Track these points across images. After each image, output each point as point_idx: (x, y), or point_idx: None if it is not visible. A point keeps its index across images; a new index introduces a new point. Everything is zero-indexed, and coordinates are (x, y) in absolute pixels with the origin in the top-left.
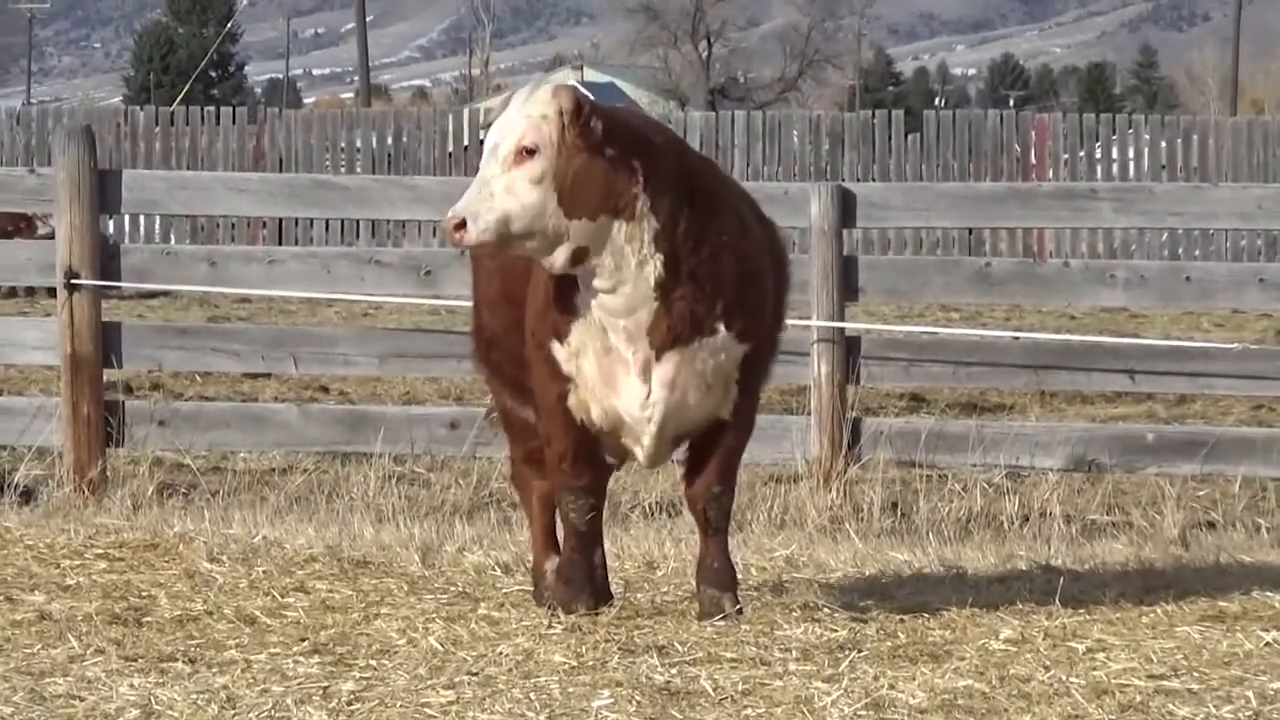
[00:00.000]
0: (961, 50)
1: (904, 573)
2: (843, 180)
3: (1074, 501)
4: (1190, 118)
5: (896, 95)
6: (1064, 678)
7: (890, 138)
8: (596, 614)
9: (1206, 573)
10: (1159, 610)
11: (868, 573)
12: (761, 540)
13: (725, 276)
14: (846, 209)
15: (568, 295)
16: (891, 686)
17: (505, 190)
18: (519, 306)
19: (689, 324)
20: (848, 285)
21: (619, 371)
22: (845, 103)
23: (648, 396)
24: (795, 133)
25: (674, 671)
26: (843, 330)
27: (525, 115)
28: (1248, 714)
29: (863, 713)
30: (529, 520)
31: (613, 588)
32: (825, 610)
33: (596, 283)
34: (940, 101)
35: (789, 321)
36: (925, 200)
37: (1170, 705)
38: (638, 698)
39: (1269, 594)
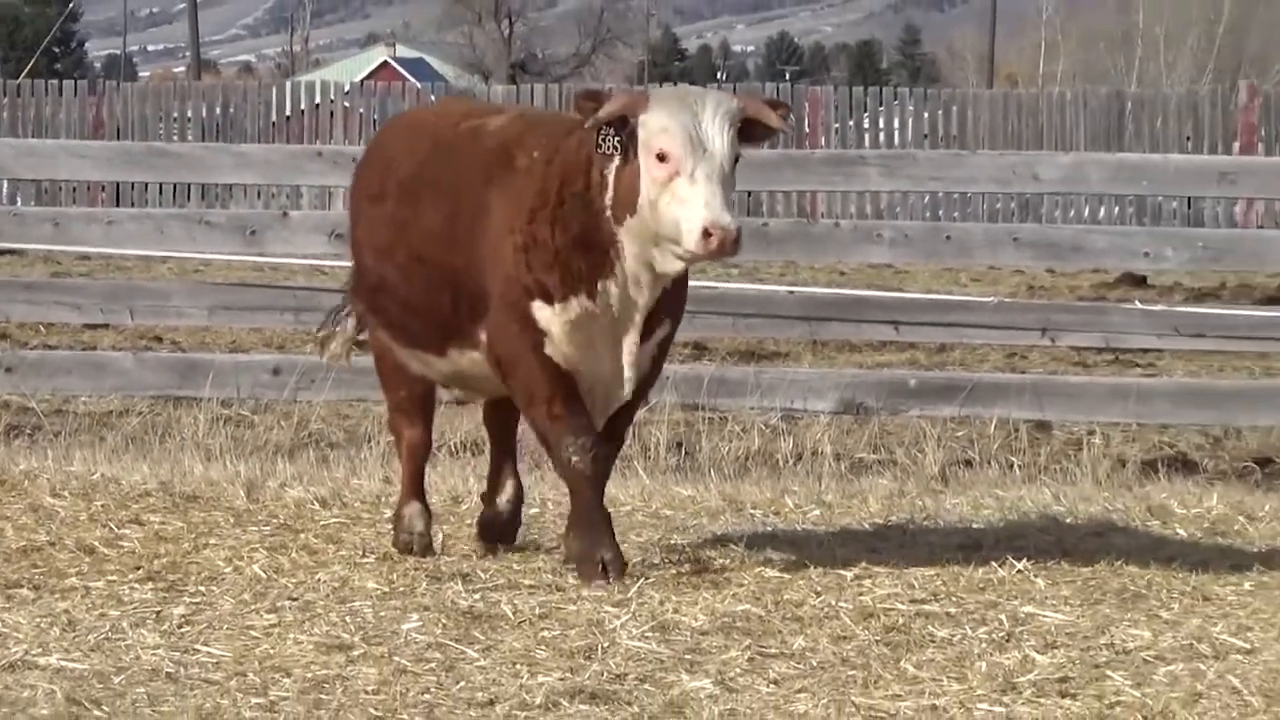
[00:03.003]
0: (741, 29)
1: (688, 507)
2: None
3: (843, 441)
4: (950, 91)
5: (682, 70)
6: (833, 602)
7: None
8: (622, 566)
9: (963, 506)
10: (921, 540)
11: (654, 507)
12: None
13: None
14: None
15: (574, 269)
16: (676, 610)
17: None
18: (429, 263)
19: (665, 313)
20: None
21: (603, 348)
22: (635, 77)
23: (621, 371)
24: None
25: (477, 597)
26: None
27: (728, 123)
28: (1001, 635)
29: (650, 634)
30: (402, 463)
31: None
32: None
33: (658, 271)
34: (721, 76)
35: None
36: None
37: (930, 627)
38: (444, 620)
39: (1020, 525)
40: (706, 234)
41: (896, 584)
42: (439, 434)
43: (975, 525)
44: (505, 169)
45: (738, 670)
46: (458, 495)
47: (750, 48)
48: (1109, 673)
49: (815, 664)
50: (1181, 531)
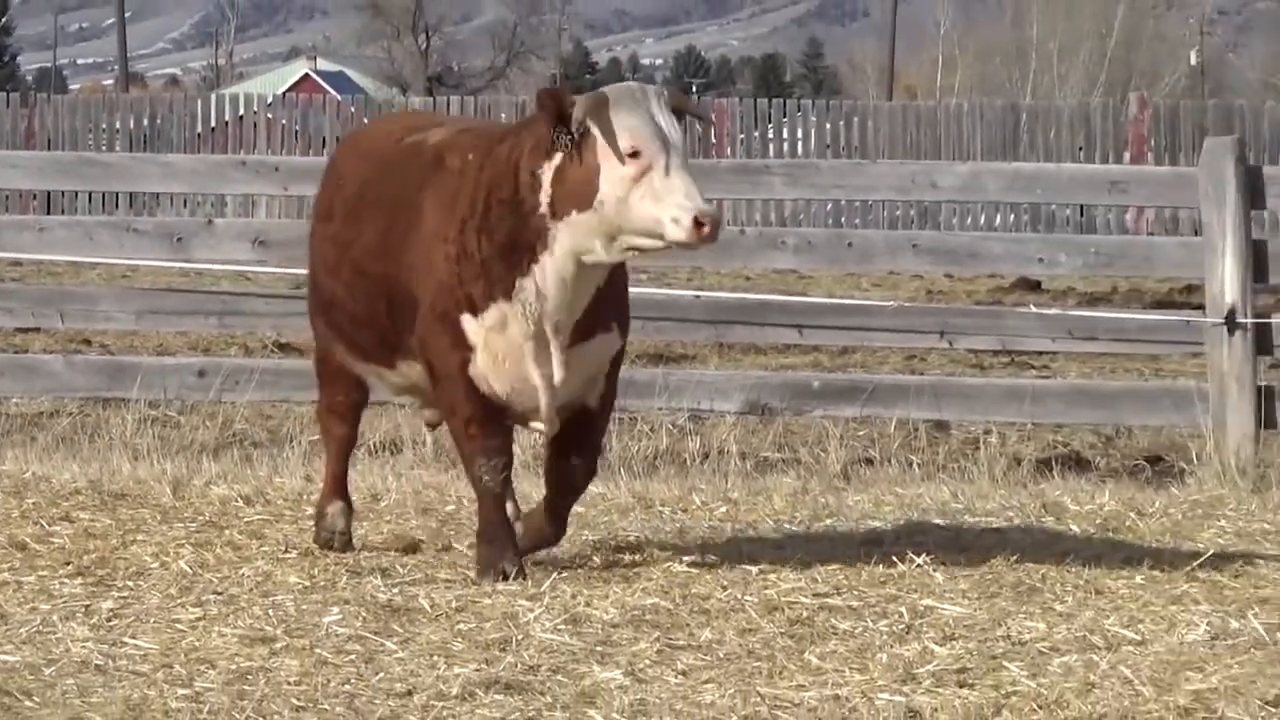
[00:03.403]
0: (650, 43)
1: (599, 504)
2: None
3: (749, 441)
4: (852, 103)
5: (594, 83)
6: (740, 595)
7: None
8: (523, 575)
9: (865, 503)
10: (824, 536)
11: None
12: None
13: (622, 278)
14: None
15: (494, 275)
16: (587, 604)
17: None
18: (369, 276)
19: (607, 318)
20: None
21: (527, 350)
22: None
23: (552, 378)
24: (504, 117)
25: (396, 591)
26: None
27: (672, 114)
28: (901, 627)
29: (562, 627)
30: (326, 462)
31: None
32: None
33: (589, 271)
34: None
35: None
36: None
37: (833, 620)
38: (364, 614)
39: (920, 521)
40: (698, 223)
41: (800, 578)
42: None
43: (876, 522)
44: (437, 173)
45: (647, 661)
46: (377, 493)
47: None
48: (1005, 663)
49: (722, 655)
50: (1075, 527)
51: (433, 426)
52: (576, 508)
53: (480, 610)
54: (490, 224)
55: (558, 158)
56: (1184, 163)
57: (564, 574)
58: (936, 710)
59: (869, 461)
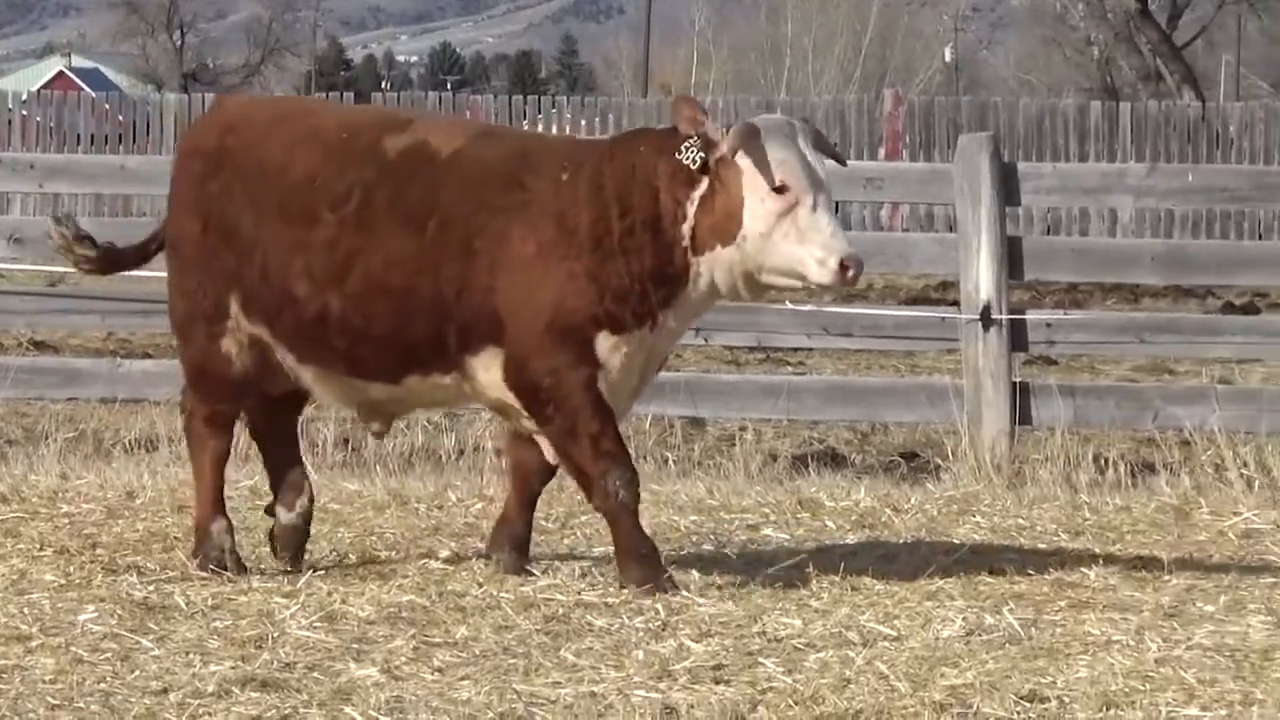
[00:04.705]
0: (405, 40)
1: (354, 501)
2: None
3: (503, 437)
4: (607, 99)
5: (348, 80)
6: (495, 593)
7: None
8: (679, 588)
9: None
10: (578, 532)
11: (323, 501)
12: (229, 473)
13: None
14: None
15: (647, 299)
16: (344, 601)
17: None
18: (397, 292)
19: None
20: None
21: (638, 365)
22: (302, 87)
23: (634, 390)
24: None
25: (151, 588)
26: None
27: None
28: (657, 624)
29: (318, 624)
30: (197, 476)
31: (96, 515)
32: None
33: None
34: (386, 85)
35: None
36: None
37: (589, 616)
38: (119, 611)
39: (674, 518)
40: (843, 266)
41: (555, 576)
42: (113, 432)
43: None
44: (516, 190)
45: (403, 659)
46: (133, 490)
47: (414, 58)
48: (761, 660)
49: (478, 652)
50: (831, 524)
51: (379, 437)
52: (332, 504)
53: (236, 608)
54: (635, 245)
55: (703, 186)
56: (939, 159)
57: (320, 571)
58: (693, 707)
59: None
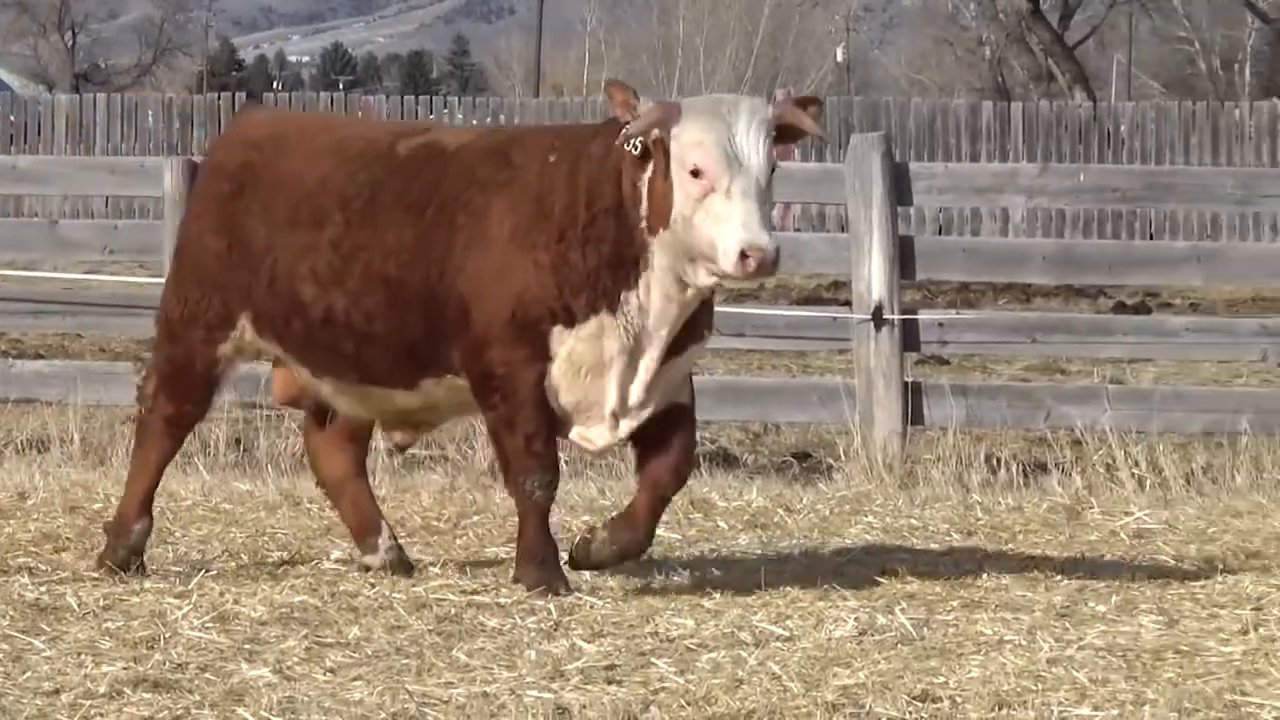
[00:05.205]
0: (297, 40)
1: (246, 501)
2: (192, 155)
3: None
4: (498, 99)
5: (240, 80)
6: (388, 593)
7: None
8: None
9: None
10: (471, 533)
11: (214, 501)
12: (119, 473)
13: None
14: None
15: (601, 288)
16: (236, 601)
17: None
18: (395, 284)
19: (701, 328)
20: None
21: (617, 363)
22: (195, 86)
23: (629, 393)
24: (151, 113)
25: (43, 589)
26: None
27: (764, 133)
28: (549, 624)
29: (210, 624)
30: (137, 471)
31: None
32: (178, 534)
33: (690, 285)
34: (278, 85)
35: None
36: None
37: (481, 617)
38: (10, 613)
39: (567, 519)
40: (744, 255)
41: (449, 576)
42: (4, 433)
43: None
44: (501, 173)
45: (295, 659)
46: (24, 491)
47: (306, 58)
48: (654, 660)
49: (370, 653)
50: (723, 524)
51: (402, 450)
52: (224, 504)
53: (128, 608)
54: (596, 234)
55: (649, 169)
56: (830, 159)
57: (212, 571)
58: (585, 707)
59: None
